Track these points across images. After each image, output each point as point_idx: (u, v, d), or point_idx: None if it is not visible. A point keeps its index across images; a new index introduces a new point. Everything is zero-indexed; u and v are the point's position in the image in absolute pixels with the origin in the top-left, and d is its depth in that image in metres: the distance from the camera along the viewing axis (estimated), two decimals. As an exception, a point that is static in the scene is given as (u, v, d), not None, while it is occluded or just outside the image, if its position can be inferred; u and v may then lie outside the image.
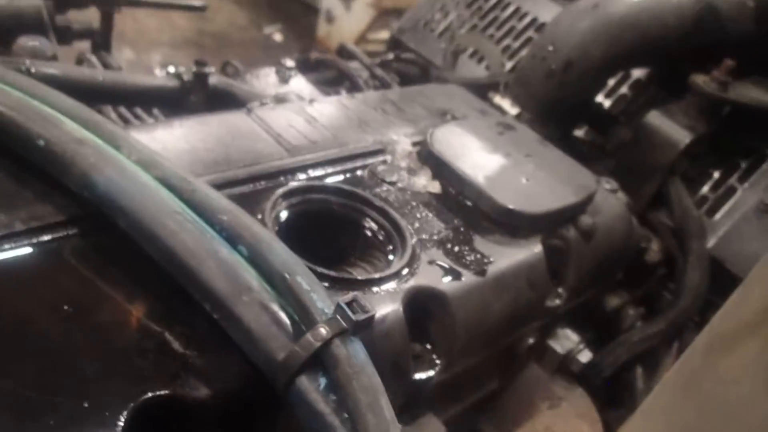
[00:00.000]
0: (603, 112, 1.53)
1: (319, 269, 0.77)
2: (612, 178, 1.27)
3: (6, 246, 0.67)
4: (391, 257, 0.88)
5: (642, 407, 0.71)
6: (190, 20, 3.58)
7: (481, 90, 1.43)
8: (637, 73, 1.54)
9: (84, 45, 1.38)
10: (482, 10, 1.73)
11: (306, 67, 1.48)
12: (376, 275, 0.82)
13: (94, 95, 1.05)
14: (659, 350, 1.21)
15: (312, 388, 0.62)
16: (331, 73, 1.51)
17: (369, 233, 0.91)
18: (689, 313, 1.21)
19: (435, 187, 1.03)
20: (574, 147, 1.38)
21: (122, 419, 0.57)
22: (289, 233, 0.82)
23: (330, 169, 0.98)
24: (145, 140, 0.81)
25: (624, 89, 1.54)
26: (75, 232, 0.72)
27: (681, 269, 1.26)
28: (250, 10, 4.06)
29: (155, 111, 1.15)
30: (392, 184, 1.00)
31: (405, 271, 0.84)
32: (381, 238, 0.90)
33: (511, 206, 0.99)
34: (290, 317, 0.66)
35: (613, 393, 1.19)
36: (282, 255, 0.69)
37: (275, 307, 0.66)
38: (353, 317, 0.63)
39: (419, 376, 0.83)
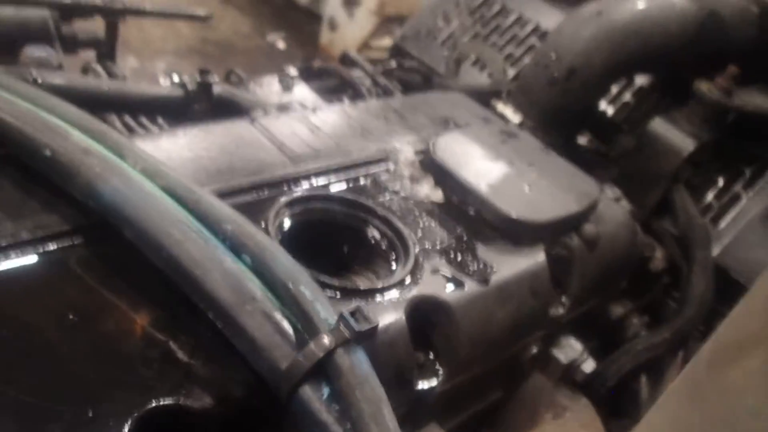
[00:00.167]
0: (606, 120, 1.53)
1: (322, 278, 0.77)
2: (615, 185, 1.26)
3: (12, 255, 0.68)
4: (394, 266, 0.88)
5: (646, 418, 0.71)
6: (193, 28, 3.60)
7: (484, 97, 1.43)
8: (641, 80, 1.54)
9: (89, 54, 1.39)
10: (485, 18, 1.74)
11: (309, 75, 1.48)
12: (379, 284, 0.82)
13: (99, 104, 1.06)
14: (664, 359, 1.21)
15: (315, 397, 0.62)
16: (333, 81, 1.51)
17: (372, 242, 0.91)
18: (694, 322, 1.21)
19: (438, 195, 1.03)
20: (577, 154, 1.38)
21: (126, 428, 0.57)
22: (292, 242, 0.82)
23: (333, 178, 0.98)
24: (150, 149, 0.81)
25: (627, 96, 1.55)
26: (80, 241, 0.72)
27: (686, 278, 1.26)
28: (254, 18, 4.09)
29: (160, 120, 1.16)
30: (395, 192, 1.01)
31: (408, 280, 0.84)
32: (384, 246, 0.90)
33: (514, 215, 0.99)
34: (293, 326, 0.66)
35: (617, 403, 1.19)
36: (285, 264, 0.69)
37: (279, 317, 0.66)
38: (356, 327, 0.63)
39: (422, 385, 0.83)
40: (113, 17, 1.37)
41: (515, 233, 1.00)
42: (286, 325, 0.66)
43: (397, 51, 1.84)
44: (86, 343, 0.63)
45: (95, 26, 1.39)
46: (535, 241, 1.01)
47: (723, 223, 1.30)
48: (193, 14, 1.53)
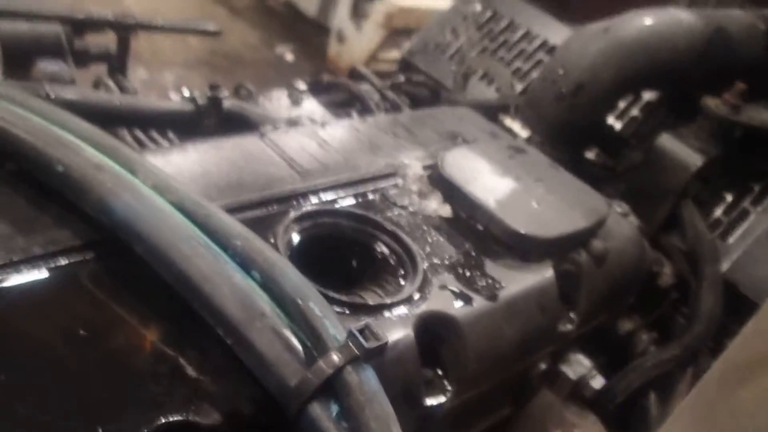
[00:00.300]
0: (614, 135, 1.53)
1: (331, 294, 0.77)
2: (623, 201, 1.26)
3: (24, 270, 0.68)
4: (402, 281, 0.88)
5: (656, 437, 0.70)
6: (203, 40, 3.63)
7: (492, 112, 1.44)
8: (648, 95, 1.54)
9: (101, 67, 1.41)
10: (493, 33, 1.75)
11: (318, 89, 1.50)
12: (388, 300, 0.82)
13: (111, 119, 1.08)
14: (673, 376, 1.20)
15: (324, 415, 0.62)
16: (342, 96, 1.53)
17: (380, 257, 0.91)
18: (703, 338, 1.20)
19: (446, 210, 1.04)
20: (585, 169, 1.38)
21: (135, 445, 0.57)
22: (301, 257, 0.83)
23: (342, 193, 0.99)
24: (161, 164, 0.82)
25: (635, 112, 1.55)
26: (92, 256, 0.73)
27: (694, 293, 1.25)
28: (262, 31, 4.12)
29: (170, 134, 1.17)
30: (403, 207, 1.01)
31: (416, 296, 0.84)
32: (392, 262, 0.90)
33: (522, 231, 0.99)
34: (302, 343, 0.66)
35: (626, 419, 1.18)
36: (294, 280, 0.70)
37: (288, 333, 0.67)
38: (365, 344, 0.63)
39: (431, 402, 0.83)
40: (125, 32, 1.39)
41: (523, 249, 1.00)
42: (295, 342, 0.66)
43: (405, 65, 1.85)
44: (96, 359, 0.63)
45: (107, 40, 1.41)
46: (543, 257, 1.00)
47: (731, 239, 1.30)
48: (204, 29, 1.55)
